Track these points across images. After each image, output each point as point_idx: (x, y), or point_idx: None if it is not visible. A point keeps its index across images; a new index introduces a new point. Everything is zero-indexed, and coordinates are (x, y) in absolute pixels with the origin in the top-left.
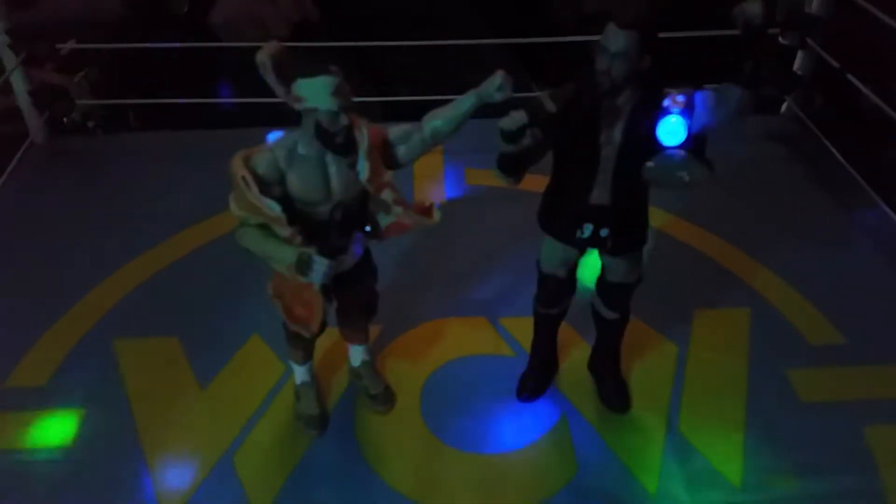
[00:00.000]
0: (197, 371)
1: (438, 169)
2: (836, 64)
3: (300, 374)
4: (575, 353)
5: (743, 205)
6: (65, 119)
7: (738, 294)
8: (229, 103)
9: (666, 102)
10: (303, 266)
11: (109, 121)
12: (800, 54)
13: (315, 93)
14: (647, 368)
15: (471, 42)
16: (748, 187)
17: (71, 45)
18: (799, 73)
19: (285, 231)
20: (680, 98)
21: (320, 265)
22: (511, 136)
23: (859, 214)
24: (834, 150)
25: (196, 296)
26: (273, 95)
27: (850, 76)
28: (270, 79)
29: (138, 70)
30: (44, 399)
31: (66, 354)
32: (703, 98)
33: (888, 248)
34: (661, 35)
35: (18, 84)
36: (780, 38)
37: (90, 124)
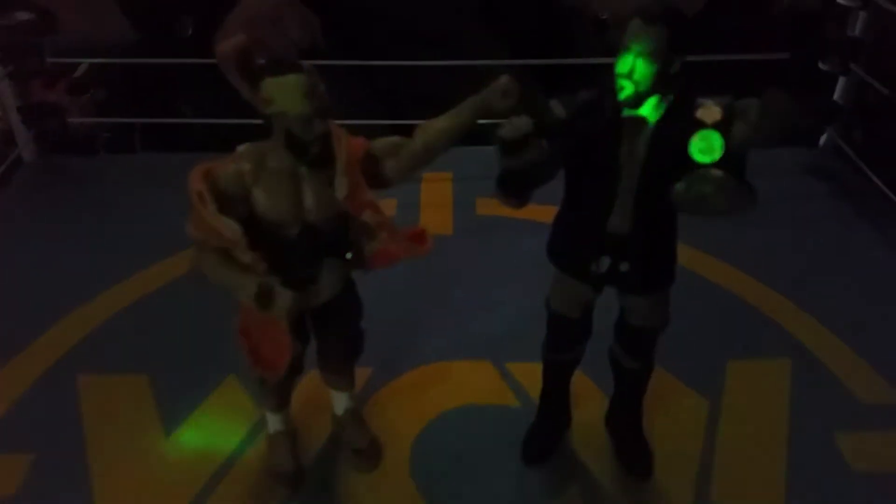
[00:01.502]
0: (164, 414)
1: (447, 198)
2: (885, 90)
3: (273, 422)
4: (590, 407)
5: (781, 244)
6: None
7: (778, 343)
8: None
9: (699, 113)
10: (263, 298)
11: (114, 142)
12: (840, 81)
13: (285, 94)
14: (674, 426)
15: (487, 63)
16: (787, 225)
17: (84, 66)
18: (839, 102)
19: (246, 256)
20: (716, 108)
21: (284, 298)
22: (512, 147)
23: None
24: (882, 186)
25: (172, 330)
26: None
27: None
28: (234, 77)
29: (145, 91)
30: None
31: (25, 390)
32: (743, 108)
33: None
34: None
35: (7, 99)
36: (819, 64)
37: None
